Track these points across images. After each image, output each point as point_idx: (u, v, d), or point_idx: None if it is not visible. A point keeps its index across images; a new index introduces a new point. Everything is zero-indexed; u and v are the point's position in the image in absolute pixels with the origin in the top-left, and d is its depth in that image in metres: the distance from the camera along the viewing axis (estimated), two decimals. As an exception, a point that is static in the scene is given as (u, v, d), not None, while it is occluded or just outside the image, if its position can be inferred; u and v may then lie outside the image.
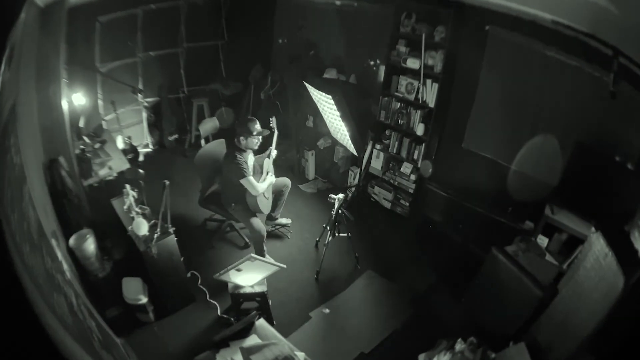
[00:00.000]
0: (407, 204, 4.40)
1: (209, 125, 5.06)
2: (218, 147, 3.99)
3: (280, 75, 5.21)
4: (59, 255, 2.30)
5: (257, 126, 3.52)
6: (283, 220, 4.19)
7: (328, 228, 3.78)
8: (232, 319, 3.17)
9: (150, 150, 5.36)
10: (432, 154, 4.13)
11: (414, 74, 3.96)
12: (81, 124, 3.92)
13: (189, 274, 3.47)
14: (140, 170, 3.41)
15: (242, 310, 3.10)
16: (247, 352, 2.45)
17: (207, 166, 3.89)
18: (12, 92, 2.20)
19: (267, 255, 3.80)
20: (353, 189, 4.59)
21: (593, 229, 2.46)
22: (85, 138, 3.87)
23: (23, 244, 1.63)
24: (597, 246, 2.36)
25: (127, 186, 3.13)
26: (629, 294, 2.13)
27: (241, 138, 3.48)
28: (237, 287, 3.04)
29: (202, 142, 4.78)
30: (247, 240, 3.95)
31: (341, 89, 3.66)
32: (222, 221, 4.10)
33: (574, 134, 3.11)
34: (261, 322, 2.66)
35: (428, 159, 4.08)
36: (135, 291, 3.00)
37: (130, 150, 4.52)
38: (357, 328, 3.31)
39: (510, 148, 3.59)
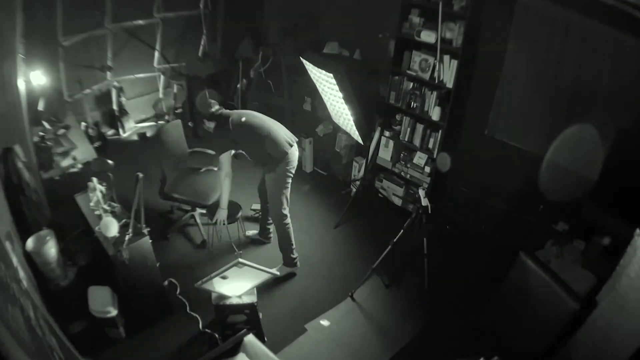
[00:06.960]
0: (421, 200, 4.39)
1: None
2: (177, 129, 4.04)
3: (273, 51, 5.17)
4: (15, 260, 2.28)
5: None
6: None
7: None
8: (216, 335, 3.17)
9: (122, 137, 5.36)
10: (450, 142, 4.11)
11: (429, 48, 3.91)
12: (40, 107, 3.89)
13: (165, 282, 3.46)
14: (109, 161, 3.38)
15: (228, 324, 3.09)
16: (234, 374, 2.45)
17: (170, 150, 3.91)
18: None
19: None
20: (358, 182, 4.58)
21: (638, 231, 2.44)
22: (45, 123, 3.85)
23: (-29, 248, 1.62)
24: (643, 251, 2.35)
25: (94, 179, 3.10)
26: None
27: None
28: (222, 297, 3.02)
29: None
30: (206, 238, 3.99)
31: (344, 66, 3.63)
32: (187, 211, 4.19)
33: (617, 120, 3.09)
34: (250, 339, 2.64)
35: (445, 151, 4.06)
36: (103, 302, 2.98)
37: (98, 138, 4.51)
38: (361, 343, 3.29)
39: (541, 136, 3.57)
